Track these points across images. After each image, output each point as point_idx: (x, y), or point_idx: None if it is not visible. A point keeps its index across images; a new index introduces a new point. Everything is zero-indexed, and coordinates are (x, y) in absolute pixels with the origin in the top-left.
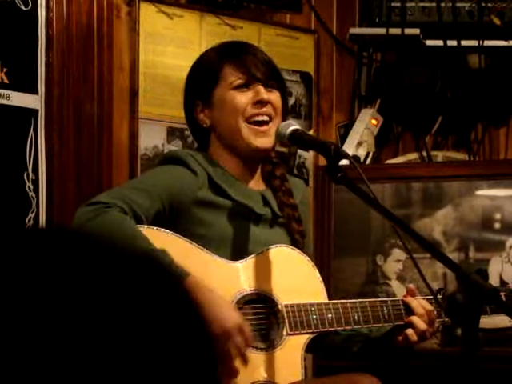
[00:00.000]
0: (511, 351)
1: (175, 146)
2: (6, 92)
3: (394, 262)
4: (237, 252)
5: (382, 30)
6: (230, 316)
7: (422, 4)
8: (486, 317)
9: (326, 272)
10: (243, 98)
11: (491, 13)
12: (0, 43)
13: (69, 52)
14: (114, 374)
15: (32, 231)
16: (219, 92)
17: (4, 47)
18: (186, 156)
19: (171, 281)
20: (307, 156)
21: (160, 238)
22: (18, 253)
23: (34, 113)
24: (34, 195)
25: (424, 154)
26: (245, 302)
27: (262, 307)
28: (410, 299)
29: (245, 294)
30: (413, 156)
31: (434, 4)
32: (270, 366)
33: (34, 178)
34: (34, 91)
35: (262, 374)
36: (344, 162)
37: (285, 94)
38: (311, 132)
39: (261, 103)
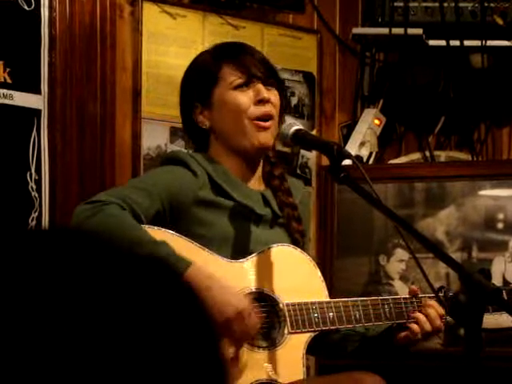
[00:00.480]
0: None
1: (178, 146)
2: (9, 92)
3: (397, 262)
4: (237, 252)
5: (384, 30)
6: (234, 300)
7: (424, 4)
8: (489, 315)
9: (329, 272)
10: (245, 98)
11: (494, 13)
12: (3, 43)
13: (72, 52)
14: (115, 370)
15: (34, 232)
16: (219, 92)
17: (7, 47)
18: (187, 156)
19: (172, 276)
20: (310, 156)
21: (160, 237)
22: (21, 254)
23: (36, 113)
24: (36, 195)
25: (427, 153)
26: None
27: (263, 306)
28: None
29: (249, 292)
30: (416, 156)
31: (436, 4)
32: (272, 364)
33: (36, 177)
34: (37, 91)
35: (263, 373)
36: (347, 161)
37: (283, 93)
38: (314, 132)
39: (262, 102)
